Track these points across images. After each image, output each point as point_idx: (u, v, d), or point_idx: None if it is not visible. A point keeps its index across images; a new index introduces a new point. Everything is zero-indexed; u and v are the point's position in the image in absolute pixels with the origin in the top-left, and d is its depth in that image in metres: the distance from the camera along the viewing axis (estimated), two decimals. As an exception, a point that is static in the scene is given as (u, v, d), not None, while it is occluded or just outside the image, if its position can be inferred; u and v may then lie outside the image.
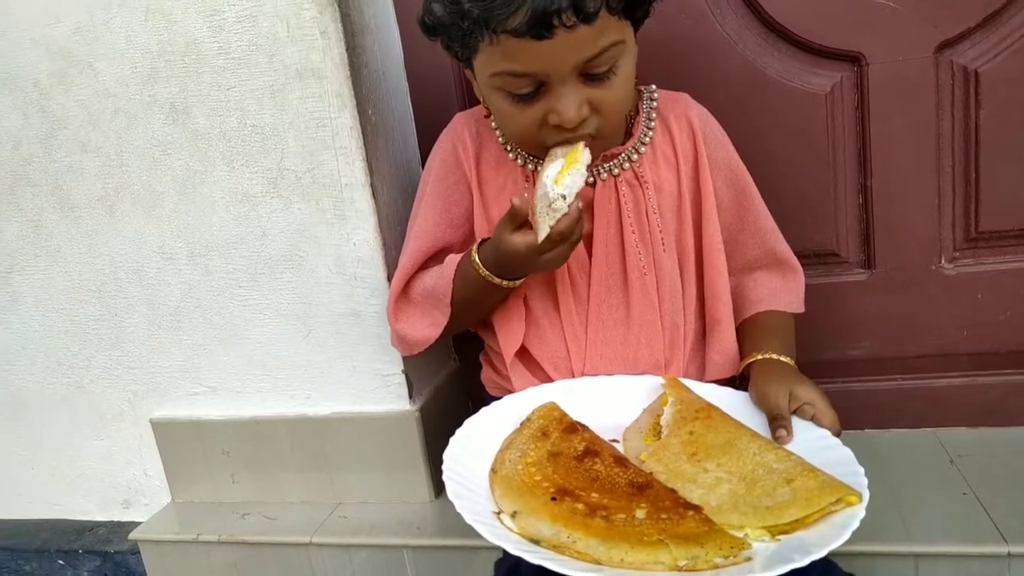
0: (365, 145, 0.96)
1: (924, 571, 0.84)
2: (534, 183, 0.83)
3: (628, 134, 0.87)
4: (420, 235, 0.89)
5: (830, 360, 1.07)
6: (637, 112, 0.87)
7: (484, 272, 0.81)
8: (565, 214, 0.74)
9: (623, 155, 0.85)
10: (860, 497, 0.63)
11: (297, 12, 0.93)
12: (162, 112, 1.01)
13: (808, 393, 0.75)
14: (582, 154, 0.74)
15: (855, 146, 1.02)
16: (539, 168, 0.80)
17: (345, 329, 1.03)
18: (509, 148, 0.87)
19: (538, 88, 0.74)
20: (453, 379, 1.14)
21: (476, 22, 0.70)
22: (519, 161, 0.87)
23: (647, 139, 0.86)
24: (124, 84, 1.02)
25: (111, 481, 1.22)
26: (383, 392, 1.03)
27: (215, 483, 1.13)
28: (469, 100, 1.08)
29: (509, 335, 0.87)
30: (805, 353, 1.04)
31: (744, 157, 0.94)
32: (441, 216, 0.89)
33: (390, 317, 0.90)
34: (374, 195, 0.97)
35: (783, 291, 0.91)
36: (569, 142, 0.76)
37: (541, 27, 0.68)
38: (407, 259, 0.89)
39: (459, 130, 0.89)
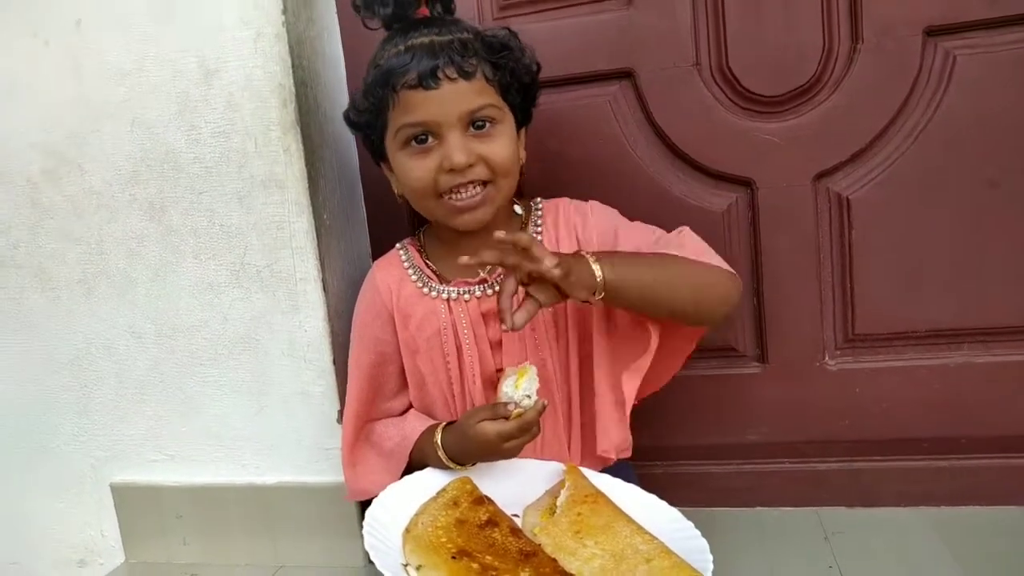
0: (319, 245, 1.08)
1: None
2: (450, 310, 0.97)
3: None
4: (359, 367, 1.01)
5: (731, 444, 1.18)
6: (527, 224, 1.01)
7: (442, 455, 0.91)
8: (531, 408, 0.86)
9: None
10: None
11: (265, 131, 1.07)
12: (141, 209, 1.14)
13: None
14: (530, 369, 0.88)
15: (749, 257, 1.14)
16: (452, 298, 0.97)
17: (294, 406, 1.13)
18: (423, 284, 0.99)
19: (432, 140, 0.89)
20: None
21: (383, 84, 0.88)
22: (432, 294, 0.98)
23: None
24: (108, 183, 1.14)
25: (69, 541, 1.29)
26: (325, 465, 1.13)
27: (167, 545, 1.21)
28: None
29: None
30: (710, 436, 1.18)
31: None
32: (374, 351, 1.00)
33: (344, 463, 1.00)
34: (325, 289, 1.09)
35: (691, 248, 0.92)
36: (460, 188, 0.90)
37: (428, 79, 0.86)
38: (355, 400, 1.00)
39: (379, 278, 1.02)
